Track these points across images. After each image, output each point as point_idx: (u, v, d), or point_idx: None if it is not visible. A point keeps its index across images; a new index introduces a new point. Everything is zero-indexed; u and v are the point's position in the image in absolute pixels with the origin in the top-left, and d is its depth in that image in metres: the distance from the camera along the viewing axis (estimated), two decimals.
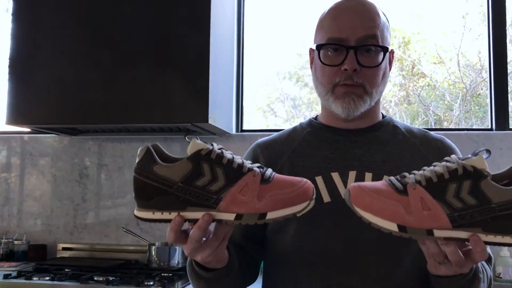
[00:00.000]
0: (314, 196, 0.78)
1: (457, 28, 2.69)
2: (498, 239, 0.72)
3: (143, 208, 0.76)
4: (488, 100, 2.40)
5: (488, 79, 2.42)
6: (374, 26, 0.96)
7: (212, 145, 0.78)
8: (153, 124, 2.20)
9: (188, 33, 2.13)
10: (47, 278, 1.99)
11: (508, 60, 2.39)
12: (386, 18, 1.03)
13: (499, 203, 0.71)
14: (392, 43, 3.09)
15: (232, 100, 2.53)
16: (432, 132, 1.07)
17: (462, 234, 0.71)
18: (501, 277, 2.06)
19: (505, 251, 2.09)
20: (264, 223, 0.77)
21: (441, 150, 1.01)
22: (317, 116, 1.10)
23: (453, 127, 2.68)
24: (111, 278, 1.95)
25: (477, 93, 2.75)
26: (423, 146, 1.02)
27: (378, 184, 0.77)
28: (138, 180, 0.76)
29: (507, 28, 2.40)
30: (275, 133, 1.12)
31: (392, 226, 0.71)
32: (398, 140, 1.02)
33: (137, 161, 0.77)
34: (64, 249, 2.50)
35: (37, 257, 2.43)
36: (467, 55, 2.75)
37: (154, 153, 0.76)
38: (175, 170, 0.75)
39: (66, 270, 2.11)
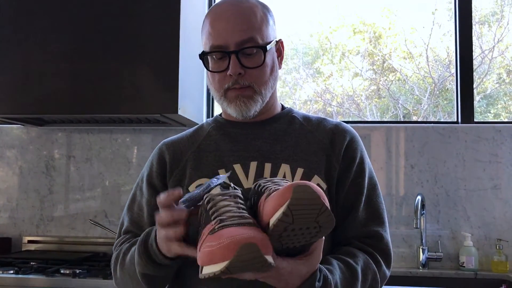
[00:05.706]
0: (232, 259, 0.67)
1: (427, 24, 2.74)
2: None
3: None
4: (454, 94, 2.46)
5: (455, 74, 2.48)
6: (248, 28, 1.00)
7: (222, 187, 0.81)
8: (122, 115, 2.17)
9: (157, 21, 2.10)
10: (11, 271, 1.95)
11: (474, 56, 2.45)
12: (267, 10, 1.07)
13: None
14: (363, 38, 3.08)
15: (203, 90, 2.51)
16: (330, 119, 1.14)
17: None
18: (464, 266, 2.12)
19: (468, 240, 2.14)
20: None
21: (335, 133, 1.08)
22: (221, 113, 1.15)
23: (421, 120, 2.73)
24: (78, 271, 1.92)
25: (445, 87, 2.81)
26: (319, 131, 1.09)
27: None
28: None
29: (473, 25, 2.46)
30: (183, 132, 1.17)
31: None
32: (295, 129, 1.10)
33: None
34: (30, 242, 2.45)
35: (1, 250, 2.37)
36: (436, 50, 2.80)
37: None
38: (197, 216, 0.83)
39: (31, 263, 2.07)
